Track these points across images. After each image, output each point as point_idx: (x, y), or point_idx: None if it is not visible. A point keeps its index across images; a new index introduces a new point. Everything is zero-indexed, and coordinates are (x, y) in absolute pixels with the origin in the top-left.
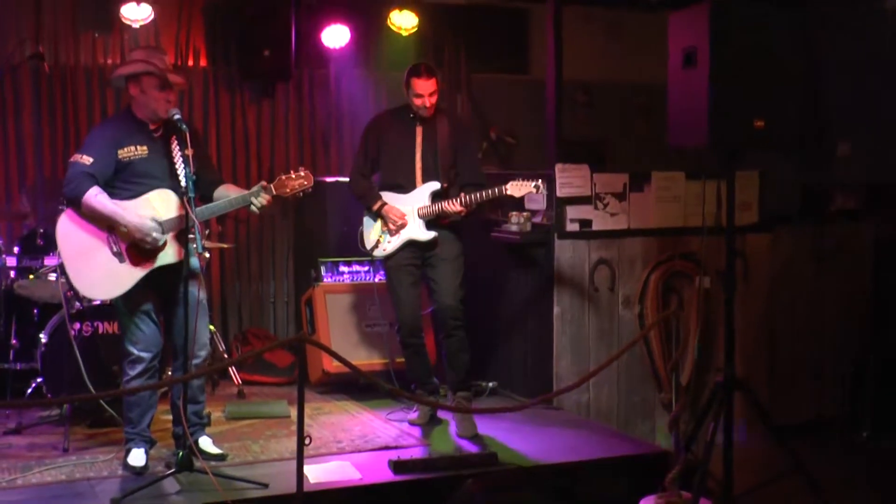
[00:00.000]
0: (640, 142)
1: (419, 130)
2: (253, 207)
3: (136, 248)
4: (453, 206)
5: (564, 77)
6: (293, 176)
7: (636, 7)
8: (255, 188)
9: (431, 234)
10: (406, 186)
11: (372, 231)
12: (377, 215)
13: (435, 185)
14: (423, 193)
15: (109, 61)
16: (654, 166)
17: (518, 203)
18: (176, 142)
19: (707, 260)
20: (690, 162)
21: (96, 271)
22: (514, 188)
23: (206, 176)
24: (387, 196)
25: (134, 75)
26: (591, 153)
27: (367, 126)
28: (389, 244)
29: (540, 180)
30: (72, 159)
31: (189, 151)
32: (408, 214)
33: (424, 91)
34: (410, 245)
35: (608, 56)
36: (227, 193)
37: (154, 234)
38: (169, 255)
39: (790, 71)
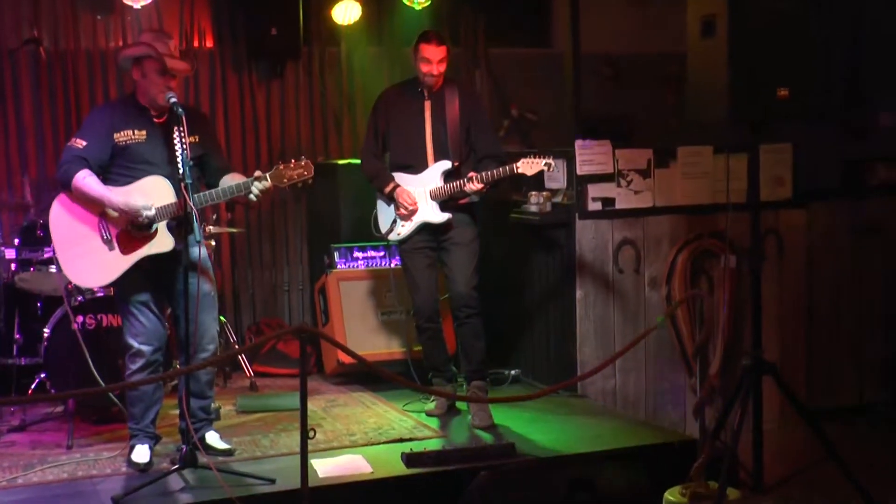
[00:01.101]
0: (670, 115)
1: (428, 105)
2: (251, 196)
3: (127, 234)
4: (474, 184)
5: (588, 49)
6: (292, 165)
7: None
8: (250, 178)
9: (445, 217)
10: (417, 166)
11: (385, 215)
12: (390, 198)
13: (446, 164)
14: (434, 173)
15: (112, 45)
16: (685, 140)
17: (538, 182)
18: (179, 128)
19: (736, 238)
20: (717, 135)
21: (86, 258)
22: (526, 166)
23: (213, 163)
24: (399, 177)
25: (137, 58)
26: (617, 129)
27: (376, 102)
28: (403, 228)
29: (552, 157)
30: (68, 143)
31: (190, 139)
32: (420, 196)
33: (433, 57)
34: (425, 228)
35: (635, 25)
36: (232, 182)
37: (144, 212)
38: (161, 244)
39: (817, 36)
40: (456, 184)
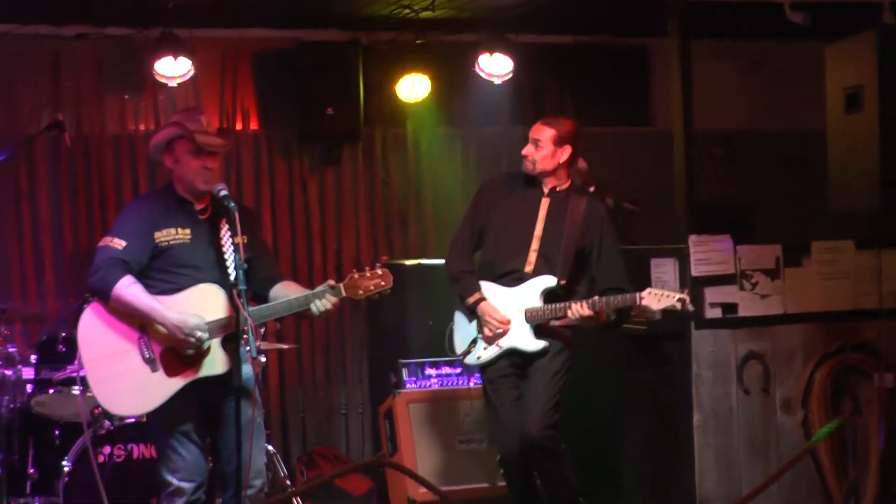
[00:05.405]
0: (794, 203)
1: (545, 203)
2: (314, 309)
3: (173, 353)
4: (582, 309)
5: (696, 127)
6: (368, 274)
7: (783, 37)
8: (320, 288)
9: (541, 345)
10: (511, 274)
11: (463, 330)
12: (472, 312)
13: (549, 281)
14: (533, 290)
15: (142, 127)
16: (814, 234)
17: (643, 285)
18: (227, 225)
19: (888, 351)
20: (861, 227)
21: (123, 380)
22: (651, 298)
23: (262, 269)
24: (487, 287)
25: (168, 143)
26: (733, 220)
27: (480, 188)
28: (486, 352)
29: (686, 293)
30: (101, 243)
31: (240, 238)
32: (512, 315)
33: (530, 135)
34: (513, 353)
35: (750, 99)
36: (287, 293)
37: (198, 334)
38: (215, 365)
39: None
40: (559, 306)
